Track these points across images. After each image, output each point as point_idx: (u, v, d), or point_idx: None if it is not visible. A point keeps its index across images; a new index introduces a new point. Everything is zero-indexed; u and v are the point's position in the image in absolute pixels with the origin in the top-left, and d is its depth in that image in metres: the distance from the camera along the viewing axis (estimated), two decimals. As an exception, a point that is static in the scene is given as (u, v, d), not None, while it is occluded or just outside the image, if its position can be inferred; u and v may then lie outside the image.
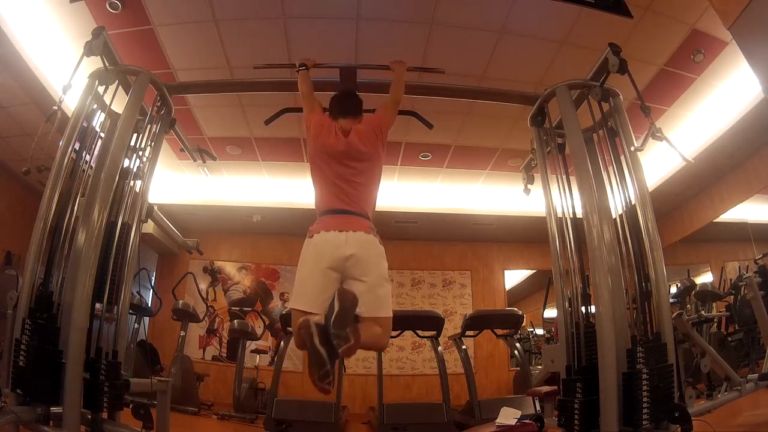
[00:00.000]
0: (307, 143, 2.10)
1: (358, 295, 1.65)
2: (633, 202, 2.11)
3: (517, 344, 5.02)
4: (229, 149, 5.16)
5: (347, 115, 2.04)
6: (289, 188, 5.81)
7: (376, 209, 2.04)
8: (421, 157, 5.28)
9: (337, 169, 1.93)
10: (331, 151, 1.95)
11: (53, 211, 2.00)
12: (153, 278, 6.66)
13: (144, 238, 4.83)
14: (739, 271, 4.82)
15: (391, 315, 1.80)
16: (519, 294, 8.24)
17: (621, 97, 2.30)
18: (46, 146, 2.18)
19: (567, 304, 2.13)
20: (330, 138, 1.97)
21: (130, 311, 3.60)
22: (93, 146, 2.23)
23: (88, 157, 2.18)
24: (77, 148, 2.13)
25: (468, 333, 4.53)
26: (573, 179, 2.24)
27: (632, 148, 2.12)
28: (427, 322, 4.46)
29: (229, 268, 7.02)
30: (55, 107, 2.12)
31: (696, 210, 5.80)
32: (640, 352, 1.80)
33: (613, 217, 2.13)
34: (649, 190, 2.15)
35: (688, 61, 3.73)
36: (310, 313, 1.65)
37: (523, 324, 5.06)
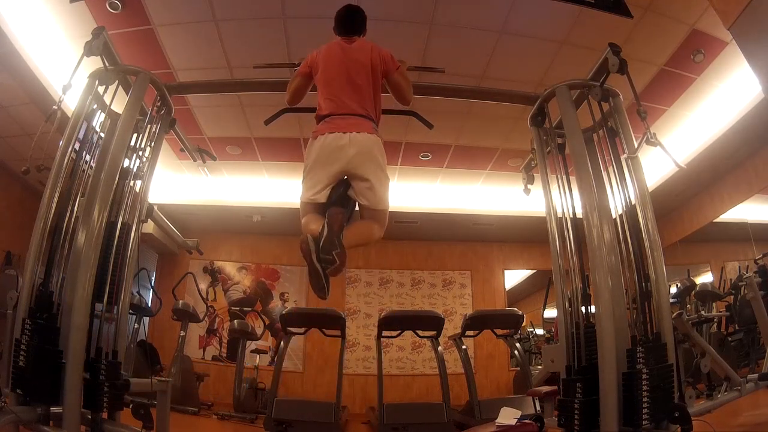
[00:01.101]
0: (312, 66, 2.14)
1: (360, 190, 1.90)
2: (633, 202, 2.10)
3: (517, 344, 5.02)
4: (229, 149, 5.16)
5: (351, 31, 2.16)
6: (289, 188, 5.80)
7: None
8: (421, 157, 5.28)
9: (340, 73, 2.01)
10: (334, 58, 2.04)
11: (53, 211, 1.99)
12: (153, 278, 6.66)
13: (144, 238, 4.82)
14: (739, 271, 4.82)
15: (388, 208, 1.98)
16: (519, 294, 8.23)
17: (621, 97, 2.30)
18: (46, 146, 2.18)
19: (567, 304, 2.13)
20: (333, 47, 2.09)
21: (130, 311, 3.60)
22: (93, 146, 2.22)
23: (88, 157, 2.17)
24: (77, 148, 2.13)
25: (468, 333, 4.53)
26: (573, 179, 2.24)
27: (624, 156, 2.13)
28: (427, 322, 4.46)
29: (229, 268, 7.02)
30: (55, 107, 2.12)
31: (696, 210, 5.80)
32: (640, 352, 1.80)
33: (613, 217, 2.13)
34: (649, 190, 2.15)
35: (688, 61, 3.73)
36: (315, 202, 1.91)
37: (523, 324, 5.06)
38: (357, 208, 2.04)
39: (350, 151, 1.87)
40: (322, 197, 1.91)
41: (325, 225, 1.71)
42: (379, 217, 1.96)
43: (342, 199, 1.97)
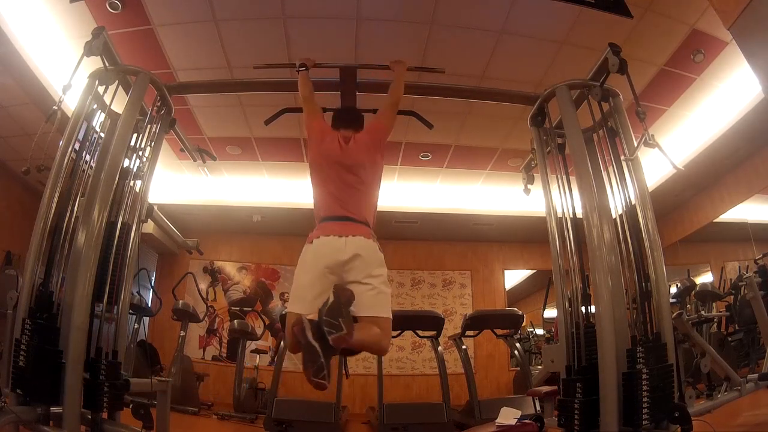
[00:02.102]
0: (308, 147, 2.13)
1: (357, 295, 1.68)
2: (633, 202, 2.11)
3: (517, 344, 5.02)
4: (229, 149, 5.16)
5: (348, 127, 2.09)
6: (289, 188, 5.80)
7: (377, 209, 2.06)
8: (421, 157, 5.28)
9: (337, 175, 1.95)
10: (332, 158, 1.98)
11: (53, 211, 2.00)
12: (153, 278, 6.66)
13: (144, 238, 4.83)
14: (739, 271, 4.82)
15: (391, 317, 1.78)
16: (519, 294, 8.23)
17: (621, 97, 2.30)
18: (46, 146, 2.18)
19: (567, 304, 2.13)
20: (332, 145, 2.01)
21: (130, 311, 3.60)
22: (93, 146, 2.22)
23: (88, 157, 2.18)
24: (77, 148, 2.13)
25: (468, 333, 4.53)
26: (573, 179, 2.24)
27: (622, 158, 2.13)
28: (427, 322, 4.46)
29: (229, 268, 7.02)
30: (55, 107, 2.12)
31: (696, 210, 5.79)
32: (640, 352, 1.80)
33: (613, 217, 2.13)
34: (649, 190, 2.15)
35: (688, 61, 3.73)
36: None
37: (523, 324, 5.06)
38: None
39: (347, 251, 1.75)
40: (313, 310, 1.57)
41: (332, 295, 1.53)
42: (383, 325, 1.73)
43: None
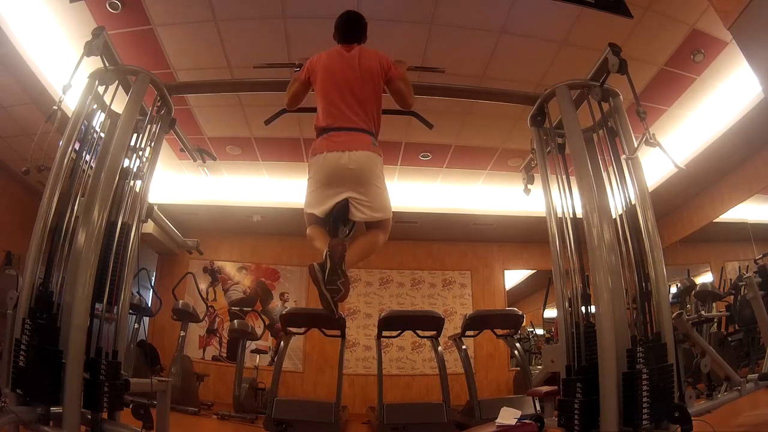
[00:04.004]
0: (311, 74, 2.13)
1: (360, 208, 1.93)
2: (633, 202, 2.10)
3: (517, 344, 5.02)
4: (229, 149, 5.16)
5: (351, 37, 2.15)
6: (289, 188, 5.81)
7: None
8: (421, 157, 5.28)
9: (339, 83, 2.00)
10: (334, 67, 2.03)
11: (53, 211, 1.99)
12: (153, 278, 6.66)
13: (144, 238, 4.82)
14: (739, 271, 4.82)
15: (391, 216, 2.05)
16: (519, 294, 8.23)
17: (621, 97, 2.29)
18: (46, 146, 2.18)
19: (567, 304, 2.12)
20: (332, 55, 2.08)
21: (130, 311, 3.60)
22: (93, 146, 2.22)
23: (88, 157, 2.17)
24: (77, 148, 2.13)
25: (468, 333, 4.53)
26: (573, 179, 2.24)
27: (623, 157, 2.13)
28: (427, 322, 4.46)
29: (229, 268, 7.02)
30: (55, 107, 2.12)
31: (696, 210, 5.80)
32: (640, 352, 1.80)
33: (613, 217, 2.12)
34: (649, 190, 2.15)
35: (688, 61, 3.73)
36: (317, 216, 1.96)
37: (523, 324, 5.06)
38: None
39: (350, 170, 1.91)
40: (324, 215, 1.97)
41: (327, 256, 1.77)
42: (382, 225, 2.02)
43: (343, 218, 2.03)
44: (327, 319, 4.39)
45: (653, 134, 2.07)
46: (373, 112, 2.03)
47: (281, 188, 5.89)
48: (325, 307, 1.80)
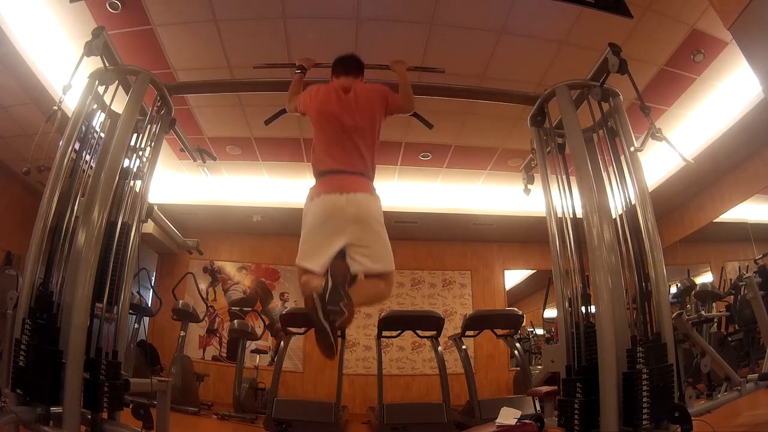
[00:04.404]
0: (308, 112, 2.10)
1: (362, 255, 1.80)
2: (633, 202, 2.11)
3: (517, 344, 5.02)
4: (229, 149, 5.16)
5: (349, 73, 2.10)
6: (289, 188, 5.81)
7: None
8: (421, 157, 5.28)
9: (336, 126, 1.96)
10: (331, 107, 1.99)
11: (53, 211, 2.00)
12: (153, 278, 6.66)
13: (144, 238, 4.82)
14: (739, 271, 4.82)
15: (394, 269, 1.90)
16: (519, 294, 8.23)
17: (621, 97, 2.30)
18: (46, 146, 2.18)
19: (567, 304, 2.13)
20: (330, 95, 2.02)
21: (130, 311, 3.60)
22: (93, 146, 2.22)
23: (88, 157, 2.17)
24: (77, 148, 2.13)
25: (468, 333, 4.53)
26: (573, 179, 2.24)
27: (632, 149, 2.12)
28: (427, 322, 4.46)
29: (229, 268, 7.02)
30: (55, 107, 2.12)
31: (696, 210, 5.79)
32: (640, 352, 1.80)
33: (613, 217, 2.13)
34: (649, 190, 2.15)
35: (688, 61, 3.73)
36: (313, 272, 1.78)
37: (523, 324, 5.06)
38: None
39: (349, 211, 1.82)
40: (321, 269, 1.78)
41: (329, 278, 1.69)
42: (383, 277, 1.88)
43: (342, 283, 1.82)
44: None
45: (659, 128, 2.07)
46: (371, 157, 1.99)
47: (281, 188, 5.89)
48: (322, 341, 1.58)
